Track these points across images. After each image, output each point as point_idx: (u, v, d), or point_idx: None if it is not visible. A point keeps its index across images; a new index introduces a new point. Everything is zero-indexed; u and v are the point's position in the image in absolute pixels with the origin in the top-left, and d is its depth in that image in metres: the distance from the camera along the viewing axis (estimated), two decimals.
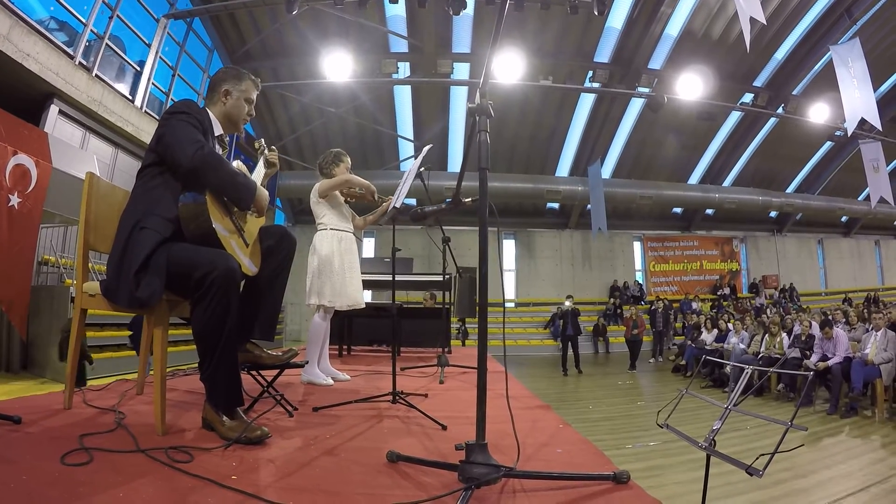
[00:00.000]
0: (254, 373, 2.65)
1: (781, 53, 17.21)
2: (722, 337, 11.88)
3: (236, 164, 2.43)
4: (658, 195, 20.49)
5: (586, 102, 18.40)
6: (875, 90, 13.81)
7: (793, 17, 15.66)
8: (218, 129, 2.45)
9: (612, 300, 20.70)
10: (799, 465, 5.10)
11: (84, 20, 10.38)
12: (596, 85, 16.13)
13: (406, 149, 19.13)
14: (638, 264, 23.25)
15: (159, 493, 1.49)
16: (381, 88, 16.66)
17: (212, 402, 2.11)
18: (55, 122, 9.98)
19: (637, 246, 23.34)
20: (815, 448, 5.97)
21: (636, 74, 16.05)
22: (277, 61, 16.09)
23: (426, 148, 3.12)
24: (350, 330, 6.07)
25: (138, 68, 12.45)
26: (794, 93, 17.67)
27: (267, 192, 2.48)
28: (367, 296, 5.58)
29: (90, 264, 2.59)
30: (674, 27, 15.85)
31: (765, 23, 10.29)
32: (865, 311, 11.67)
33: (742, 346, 10.58)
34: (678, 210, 23.33)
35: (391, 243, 3.34)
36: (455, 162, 19.29)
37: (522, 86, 14.86)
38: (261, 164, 2.78)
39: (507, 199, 20.00)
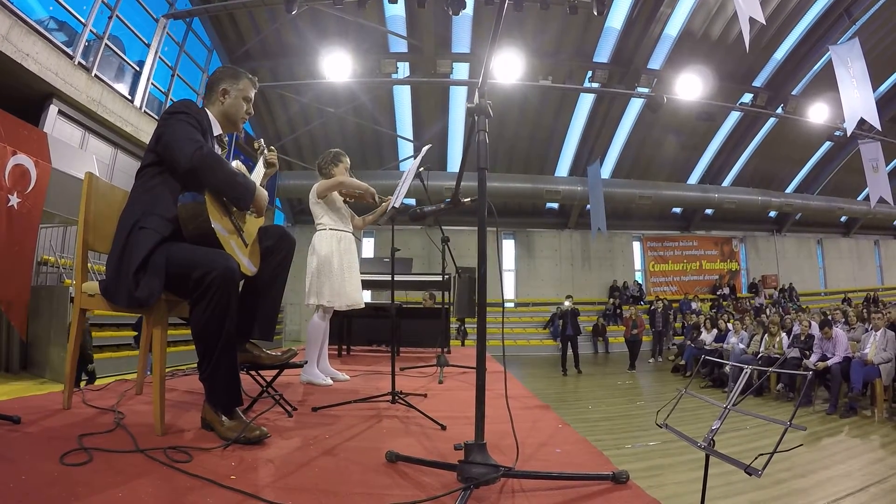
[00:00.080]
0: (253, 373, 2.65)
1: (781, 53, 17.22)
2: (721, 337, 11.89)
3: (235, 164, 2.43)
4: (657, 195, 20.50)
5: (586, 102, 18.41)
6: (874, 90, 13.81)
7: (792, 17, 15.67)
8: (217, 129, 2.45)
9: (611, 300, 20.70)
10: (798, 465, 5.10)
11: (83, 20, 10.38)
12: (595, 85, 16.13)
13: (405, 149, 19.14)
14: (637, 264, 23.26)
15: (158, 493, 1.49)
16: (381, 88, 16.66)
17: (211, 402, 2.10)
18: (54, 122, 9.97)
19: (636, 246, 23.35)
20: (815, 448, 5.97)
21: (635, 74, 16.06)
22: (277, 61, 16.09)
23: (425, 148, 3.13)
24: (349, 330, 6.06)
25: (137, 68, 12.45)
26: (794, 93, 17.67)
27: (266, 193, 2.48)
28: (367, 296, 5.58)
29: (90, 264, 2.59)
30: (673, 27, 15.86)
31: (764, 23, 10.29)
32: (865, 311, 11.67)
33: (741, 346, 10.59)
34: (677, 210, 23.34)
35: (390, 243, 3.34)
36: (454, 162, 19.28)
37: (522, 86, 14.87)
38: (260, 164, 2.78)
39: (507, 199, 20.01)
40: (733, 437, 5.84)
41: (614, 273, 22.27)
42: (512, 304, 21.44)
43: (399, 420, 2.60)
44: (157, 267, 2.06)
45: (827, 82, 15.13)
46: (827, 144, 20.35)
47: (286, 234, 2.68)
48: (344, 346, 6.02)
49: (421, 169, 3.07)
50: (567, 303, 13.80)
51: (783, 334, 9.64)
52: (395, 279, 3.36)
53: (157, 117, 12.02)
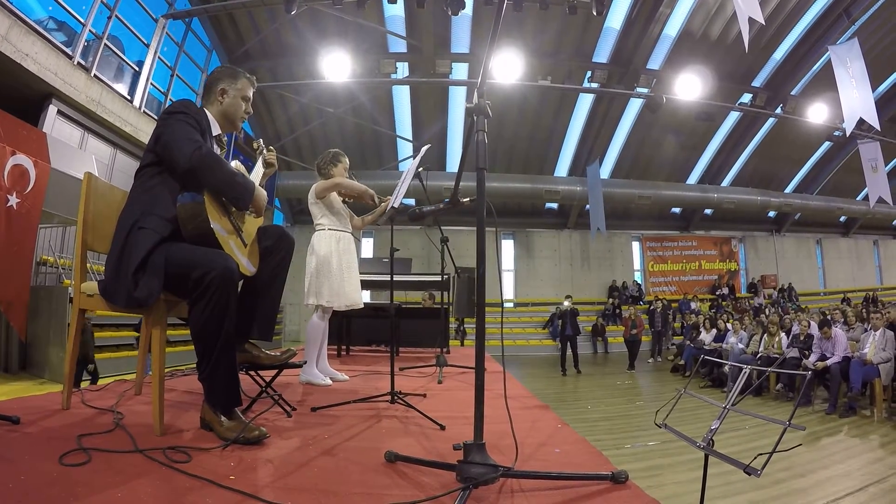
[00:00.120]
0: (252, 373, 2.65)
1: (780, 53, 17.23)
2: (721, 337, 11.89)
3: (234, 164, 2.43)
4: (657, 195, 20.51)
5: (585, 102, 18.41)
6: (873, 90, 13.81)
7: (791, 18, 15.67)
8: (216, 129, 2.45)
9: (610, 300, 20.70)
10: (798, 465, 5.10)
11: (83, 20, 10.37)
12: (595, 85, 16.13)
13: (405, 149, 19.14)
14: (637, 264, 23.26)
15: (157, 493, 1.49)
16: (380, 88, 16.66)
17: (210, 403, 2.11)
18: (54, 123, 9.96)
19: (636, 246, 23.35)
20: (814, 448, 5.98)
21: (635, 74, 16.06)
22: (276, 61, 16.08)
23: (424, 148, 3.13)
24: (349, 330, 6.06)
25: (137, 68, 12.44)
26: (793, 93, 17.68)
27: (265, 193, 2.48)
28: (366, 296, 5.59)
29: (89, 264, 2.59)
30: (672, 27, 15.86)
31: (763, 23, 10.30)
32: (864, 310, 11.68)
33: (741, 345, 10.59)
34: (677, 210, 23.35)
35: (390, 243, 3.34)
36: (454, 162, 19.28)
37: (521, 86, 14.88)
38: (259, 164, 2.78)
39: (506, 199, 20.01)
40: (732, 436, 5.85)
41: (613, 273, 22.28)
42: (511, 305, 21.44)
43: (398, 420, 2.60)
44: (156, 267, 2.06)
45: (826, 82, 15.14)
46: (826, 144, 20.37)
47: (285, 234, 2.68)
48: (343, 347, 6.02)
49: (420, 169, 3.07)
50: (566, 303, 13.80)
51: (782, 334, 9.65)
52: (395, 279, 3.37)
53: (156, 117, 11.99)
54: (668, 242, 23.29)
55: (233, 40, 15.40)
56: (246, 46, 15.31)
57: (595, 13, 12.19)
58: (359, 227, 4.16)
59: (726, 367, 9.71)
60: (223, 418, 2.06)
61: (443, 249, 4.52)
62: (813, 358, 8.39)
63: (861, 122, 13.32)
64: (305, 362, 3.55)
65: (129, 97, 12.05)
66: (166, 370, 2.53)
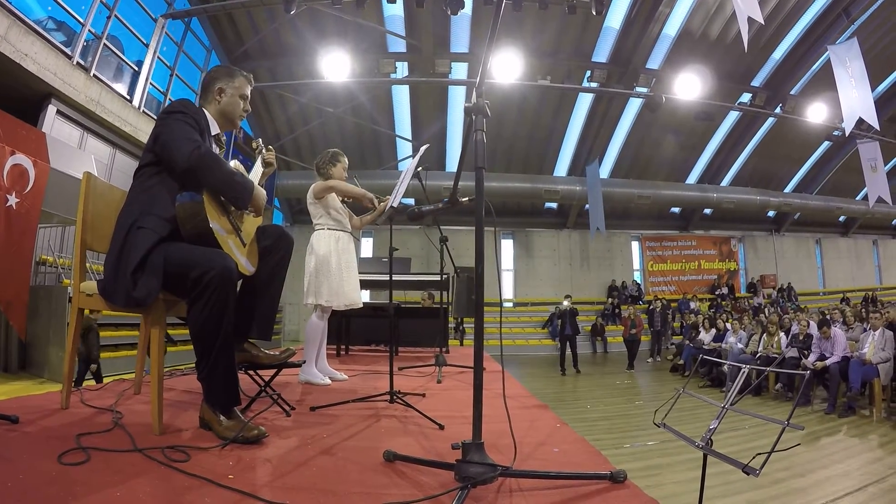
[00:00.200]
0: (251, 372, 2.65)
1: (779, 53, 17.23)
2: (720, 336, 11.90)
3: (233, 163, 2.43)
4: (656, 195, 20.52)
5: (584, 102, 18.41)
6: (873, 90, 13.82)
7: (791, 17, 15.68)
8: (215, 128, 2.45)
9: (610, 300, 20.72)
10: (797, 465, 5.10)
11: (82, 20, 10.36)
12: (594, 85, 16.14)
13: (404, 149, 19.13)
14: (636, 264, 23.27)
15: (156, 493, 1.49)
16: (379, 88, 16.65)
17: (209, 402, 2.10)
18: (53, 122, 9.96)
19: (635, 245, 23.36)
20: (813, 447, 5.98)
21: (634, 74, 16.06)
22: (275, 61, 16.08)
23: (423, 148, 3.13)
24: (348, 330, 6.06)
25: (136, 68, 12.43)
26: (792, 92, 17.68)
27: (264, 192, 2.48)
28: (365, 295, 5.58)
29: (88, 264, 2.59)
30: (672, 27, 15.86)
31: (762, 22, 10.30)
32: (863, 310, 11.68)
33: (740, 345, 10.60)
34: (676, 210, 23.36)
35: (389, 243, 3.34)
36: (453, 161, 19.28)
37: (520, 85, 14.88)
38: (258, 163, 2.78)
39: (505, 199, 20.01)
40: (731, 436, 5.85)
41: (613, 273, 22.29)
42: (511, 304, 21.45)
43: (397, 419, 2.60)
44: (154, 266, 2.06)
45: (825, 82, 15.15)
46: (825, 144, 20.38)
47: (284, 233, 2.68)
48: (342, 346, 6.02)
49: (419, 168, 3.07)
50: (566, 302, 13.80)
51: (781, 334, 9.65)
52: (394, 279, 3.37)
53: (155, 117, 12.00)
54: (667, 242, 23.30)
55: (232, 40, 15.39)
56: (245, 46, 15.30)
57: (594, 13, 12.19)
58: (358, 227, 4.16)
59: (725, 367, 9.72)
60: (222, 417, 2.06)
61: (442, 249, 4.52)
62: (812, 358, 8.39)
63: (860, 121, 13.33)
64: (304, 362, 3.55)
65: (128, 97, 12.04)
66: (166, 369, 2.53)
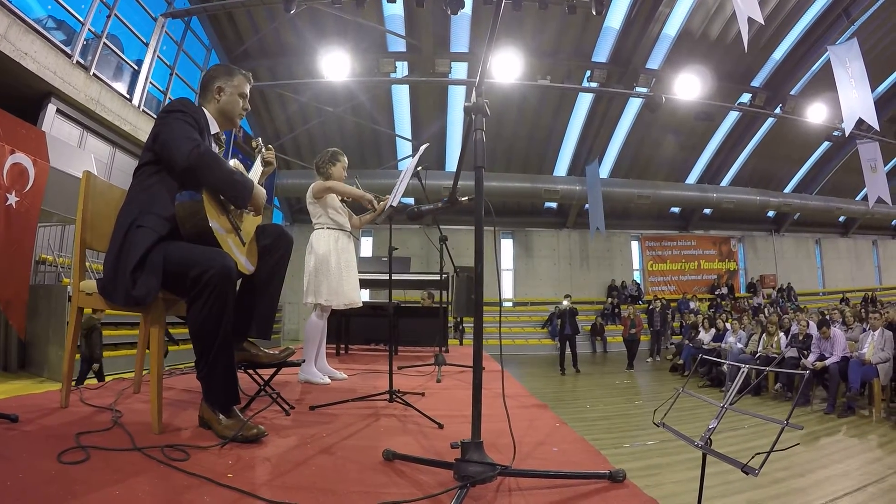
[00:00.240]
0: (250, 371, 2.65)
1: (779, 53, 17.23)
2: (719, 336, 11.91)
3: (233, 162, 2.43)
4: (656, 195, 20.52)
5: (584, 102, 18.42)
6: (873, 90, 13.82)
7: (791, 18, 15.68)
8: (214, 127, 2.45)
9: (609, 300, 20.73)
10: (796, 465, 5.11)
11: (82, 19, 10.35)
12: (594, 85, 16.14)
13: (404, 148, 19.13)
14: (636, 264, 23.28)
15: (155, 491, 1.49)
16: (379, 88, 16.65)
17: (208, 401, 2.11)
18: (53, 121, 9.95)
19: (635, 245, 23.36)
20: (813, 447, 5.98)
21: (634, 74, 16.06)
22: (275, 60, 16.08)
23: (423, 147, 3.13)
24: (347, 329, 6.06)
25: (136, 67, 12.43)
26: (792, 93, 17.69)
27: (264, 191, 2.48)
28: (365, 295, 5.59)
29: (88, 263, 2.59)
30: (672, 27, 15.87)
31: (763, 23, 10.30)
32: (863, 310, 11.69)
33: (739, 345, 10.60)
34: (676, 210, 23.37)
35: (388, 242, 3.34)
36: (453, 161, 19.27)
37: (520, 85, 14.87)
38: (258, 162, 2.78)
39: (505, 199, 20.02)
40: (731, 436, 5.86)
41: (612, 272, 22.30)
42: (510, 304, 21.45)
43: (396, 419, 2.60)
44: (154, 265, 2.06)
45: (825, 82, 15.15)
46: (825, 144, 20.39)
47: (284, 232, 2.68)
48: (342, 345, 6.02)
49: (419, 168, 3.07)
50: (565, 302, 13.80)
51: (781, 334, 9.65)
52: (393, 278, 3.37)
53: (155, 116, 12.00)
54: (667, 242, 23.31)
55: (232, 39, 15.39)
56: (245, 45, 15.30)
57: (594, 13, 12.18)
58: (357, 226, 4.15)
59: (725, 367, 9.73)
60: (221, 416, 2.06)
61: (441, 248, 4.52)
62: (812, 358, 8.40)
63: (860, 122, 13.33)
64: (304, 361, 3.55)
65: (128, 96, 12.04)
66: (165, 368, 2.53)
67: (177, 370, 3.94)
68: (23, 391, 3.23)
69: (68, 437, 1.87)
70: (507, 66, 14.05)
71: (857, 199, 22.52)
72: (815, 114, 16.40)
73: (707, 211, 22.90)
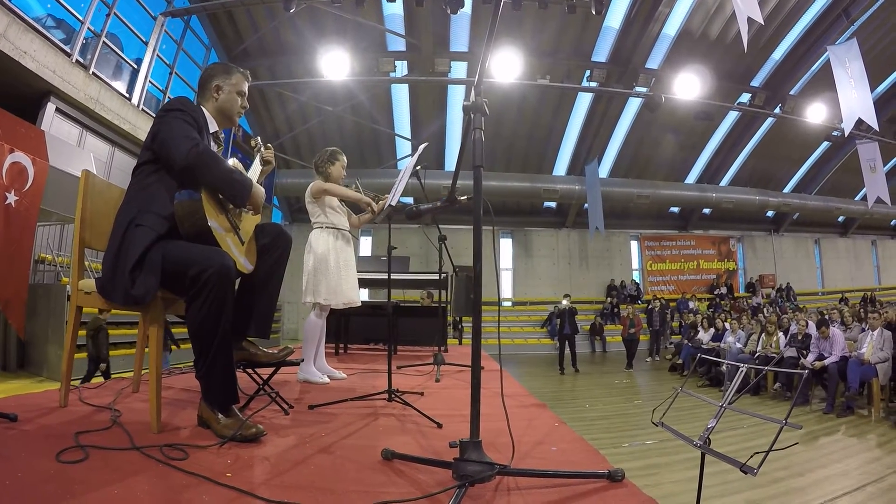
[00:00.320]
0: (249, 371, 2.64)
1: (779, 53, 17.23)
2: (719, 336, 11.92)
3: (232, 161, 2.42)
4: (655, 194, 20.52)
5: (584, 102, 18.42)
6: (872, 90, 13.83)
7: (790, 18, 15.68)
8: (213, 126, 2.45)
9: (609, 299, 20.74)
10: (795, 464, 5.11)
11: (81, 18, 10.35)
12: (593, 84, 16.13)
13: (403, 147, 19.13)
14: (635, 263, 23.28)
15: (154, 491, 1.49)
16: (379, 87, 16.64)
17: (207, 400, 2.10)
18: (52, 120, 9.94)
19: (634, 245, 23.37)
20: (812, 447, 5.99)
21: (634, 74, 16.05)
22: (275, 59, 16.07)
23: (422, 146, 3.12)
24: (347, 328, 6.06)
25: (135, 66, 12.42)
26: (792, 93, 17.69)
27: (263, 190, 2.47)
28: (364, 294, 5.59)
29: (87, 262, 2.59)
30: (671, 27, 15.87)
31: (762, 23, 10.30)
32: (862, 310, 11.70)
33: (738, 345, 10.61)
34: (675, 209, 23.37)
35: (387, 241, 3.34)
36: (453, 160, 19.23)
37: (520, 85, 14.87)
38: (257, 161, 2.78)
39: (505, 198, 20.02)
40: (730, 435, 5.86)
41: (612, 272, 22.31)
42: (509, 303, 21.46)
43: (395, 418, 2.60)
44: (153, 264, 2.06)
45: (825, 82, 15.16)
46: (825, 144, 20.40)
47: (283, 231, 2.68)
48: (341, 345, 6.02)
49: (418, 167, 3.07)
50: (565, 302, 13.80)
51: (780, 334, 9.66)
52: (393, 277, 3.37)
53: (154, 115, 11.98)
54: (666, 242, 23.32)
55: (231, 38, 15.39)
56: (244, 44, 15.30)
57: (594, 12, 12.17)
58: (356, 226, 4.15)
59: (724, 367, 9.73)
60: (220, 416, 2.06)
61: (441, 248, 4.52)
62: (811, 357, 8.40)
63: (860, 122, 13.35)
64: (303, 360, 3.55)
65: (127, 95, 12.03)
66: (166, 368, 2.53)
67: (176, 369, 3.94)
68: (22, 390, 3.23)
69: (67, 436, 1.87)
70: (507, 66, 14.04)
71: (857, 199, 22.53)
72: (815, 114, 16.40)
73: (706, 211, 22.91)
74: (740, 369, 2.28)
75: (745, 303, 20.63)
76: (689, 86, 14.78)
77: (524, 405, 3.03)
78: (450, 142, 18.93)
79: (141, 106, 12.29)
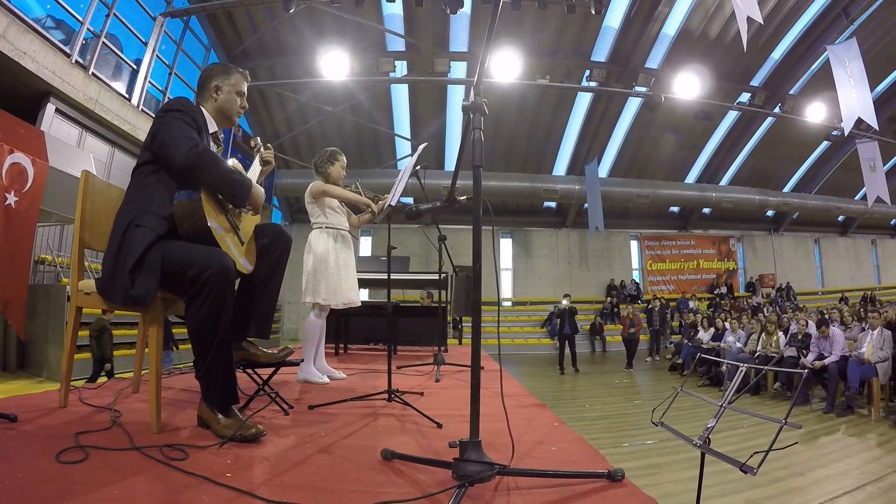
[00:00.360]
0: (249, 371, 2.64)
1: (778, 53, 17.23)
2: (718, 336, 11.92)
3: (232, 161, 2.42)
4: (655, 194, 20.52)
5: (583, 101, 18.42)
6: (872, 90, 13.83)
7: (790, 17, 15.68)
8: (212, 126, 2.45)
9: (608, 299, 20.74)
10: (795, 464, 5.11)
11: (81, 18, 10.34)
12: (593, 84, 16.12)
13: (403, 147, 19.12)
14: (635, 263, 23.28)
15: (154, 491, 1.49)
16: (378, 87, 16.64)
17: (207, 400, 2.10)
18: (52, 121, 9.93)
19: (634, 245, 23.37)
20: (812, 446, 5.99)
21: (633, 73, 16.05)
22: (274, 60, 16.07)
23: (421, 146, 3.12)
24: (346, 328, 6.06)
25: (135, 67, 12.41)
26: (791, 92, 17.69)
27: (263, 190, 2.47)
28: (364, 294, 5.59)
29: (87, 262, 2.59)
30: (671, 26, 15.87)
31: (762, 22, 10.30)
32: (862, 310, 11.70)
33: (738, 344, 10.61)
34: (675, 209, 23.37)
35: (387, 241, 3.34)
36: (453, 160, 19.25)
37: (520, 85, 14.87)
38: (256, 161, 2.77)
39: (504, 198, 20.03)
40: (729, 435, 5.86)
41: (612, 272, 22.31)
42: (509, 303, 21.45)
43: (395, 418, 2.60)
44: (152, 265, 2.06)
45: (824, 82, 15.16)
46: (824, 144, 20.39)
47: (282, 231, 2.67)
48: (341, 345, 6.02)
49: (418, 167, 3.07)
50: (564, 301, 13.80)
51: (780, 333, 9.66)
52: (392, 277, 3.37)
53: (154, 116, 11.97)
54: (666, 241, 23.32)
55: (231, 39, 15.39)
56: (244, 45, 15.30)
57: (594, 12, 12.16)
58: (356, 226, 4.15)
59: (724, 366, 9.73)
60: (220, 416, 2.07)
61: (440, 248, 4.52)
62: (811, 357, 8.41)
63: (859, 121, 13.34)
64: (303, 360, 3.55)
65: (127, 95, 12.03)
66: (167, 368, 2.53)
67: (175, 370, 3.94)
68: (22, 391, 3.23)
69: (67, 436, 1.87)
70: (507, 66, 14.04)
71: (856, 198, 22.53)
72: (814, 113, 16.40)
73: (706, 210, 22.92)
74: (740, 369, 2.28)
75: (745, 302, 20.63)
76: (688, 85, 14.79)
77: (524, 405, 3.03)
78: (449, 142, 18.93)
79: (140, 106, 12.29)
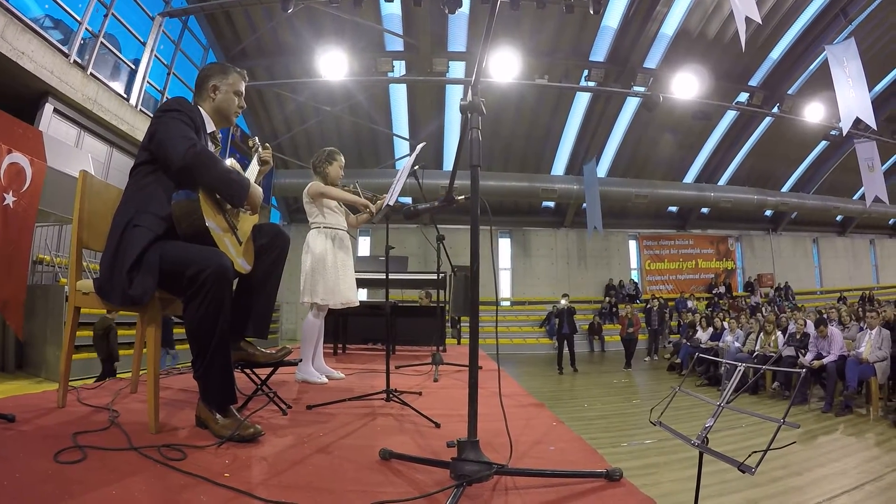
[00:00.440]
0: (247, 371, 2.64)
1: (777, 53, 17.25)
2: (717, 335, 11.93)
3: (230, 161, 2.42)
4: (653, 194, 20.53)
5: (582, 101, 18.43)
6: (870, 90, 13.84)
7: (788, 17, 15.70)
8: (210, 126, 2.45)
9: (607, 299, 20.76)
10: (794, 463, 5.12)
11: (79, 18, 10.33)
12: (591, 84, 16.12)
13: (401, 147, 19.13)
14: (633, 263, 23.31)
15: (152, 491, 1.49)
16: (377, 87, 16.63)
17: (205, 400, 2.10)
18: (50, 121, 9.92)
19: (632, 244, 23.39)
20: (810, 446, 6.00)
21: (632, 73, 16.07)
22: (273, 60, 16.06)
23: (419, 146, 3.12)
24: (345, 328, 6.06)
25: (133, 66, 12.40)
26: (790, 92, 17.70)
27: (261, 190, 2.47)
28: (362, 294, 5.59)
29: (85, 263, 2.59)
30: (669, 26, 15.89)
31: (760, 22, 10.32)
32: (860, 309, 11.71)
33: (737, 344, 10.62)
34: (673, 209, 23.40)
35: (385, 241, 3.34)
36: (451, 160, 19.25)
37: (518, 85, 14.86)
38: (254, 161, 2.77)
39: (503, 198, 20.03)
40: (728, 434, 5.86)
41: (610, 272, 22.32)
42: (508, 303, 21.46)
43: (393, 418, 2.60)
44: (150, 265, 2.05)
45: (823, 82, 15.18)
46: (823, 144, 20.41)
47: (280, 231, 2.68)
48: (339, 345, 6.02)
49: (416, 167, 3.07)
50: (563, 301, 13.81)
51: (779, 333, 9.67)
52: (391, 277, 3.37)
53: (152, 115, 11.96)
54: (664, 241, 23.34)
55: (229, 39, 15.38)
56: (243, 45, 15.29)
57: (592, 12, 12.16)
58: (354, 225, 4.15)
59: (722, 366, 9.74)
60: (218, 416, 2.06)
61: (439, 248, 4.52)
62: (809, 356, 8.42)
63: (857, 121, 13.38)
64: (301, 360, 3.55)
65: (125, 95, 12.02)
66: (165, 369, 2.53)
67: (174, 370, 3.93)
68: (20, 391, 3.22)
69: (65, 436, 1.87)
70: (505, 66, 14.04)
71: (855, 198, 22.57)
72: (813, 113, 16.41)
73: (704, 210, 22.95)
74: (738, 368, 2.28)
75: (743, 302, 20.64)
76: (686, 85, 14.80)
77: (522, 405, 3.03)
78: (448, 141, 18.92)
79: (139, 106, 12.28)
